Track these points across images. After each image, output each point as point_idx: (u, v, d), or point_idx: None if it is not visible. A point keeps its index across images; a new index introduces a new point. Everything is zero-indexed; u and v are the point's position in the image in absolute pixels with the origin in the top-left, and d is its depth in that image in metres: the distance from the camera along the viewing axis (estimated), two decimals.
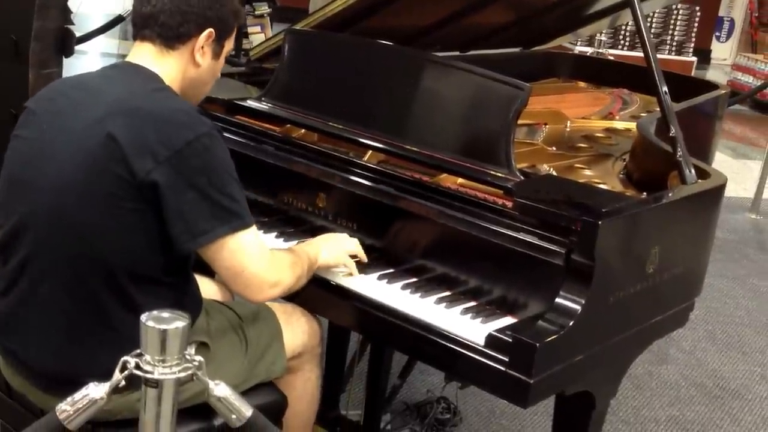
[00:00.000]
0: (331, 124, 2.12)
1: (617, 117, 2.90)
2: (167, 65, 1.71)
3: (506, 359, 1.60)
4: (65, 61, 3.18)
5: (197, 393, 1.51)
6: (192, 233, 1.57)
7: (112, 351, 1.52)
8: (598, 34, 7.29)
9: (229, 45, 1.80)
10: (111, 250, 1.59)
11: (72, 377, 1.59)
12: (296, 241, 2.00)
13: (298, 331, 1.92)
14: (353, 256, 1.87)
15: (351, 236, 1.93)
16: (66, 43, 3.10)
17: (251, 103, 2.25)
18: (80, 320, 1.62)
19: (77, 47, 3.20)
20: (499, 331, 1.64)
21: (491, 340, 1.63)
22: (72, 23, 3.15)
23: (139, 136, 1.55)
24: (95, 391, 1.40)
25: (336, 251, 1.85)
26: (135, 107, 1.60)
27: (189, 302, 1.71)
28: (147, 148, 1.54)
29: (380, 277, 1.85)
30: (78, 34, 3.23)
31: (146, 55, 1.71)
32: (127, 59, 1.73)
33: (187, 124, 1.58)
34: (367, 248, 1.92)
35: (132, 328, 1.50)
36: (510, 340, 1.59)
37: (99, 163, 1.57)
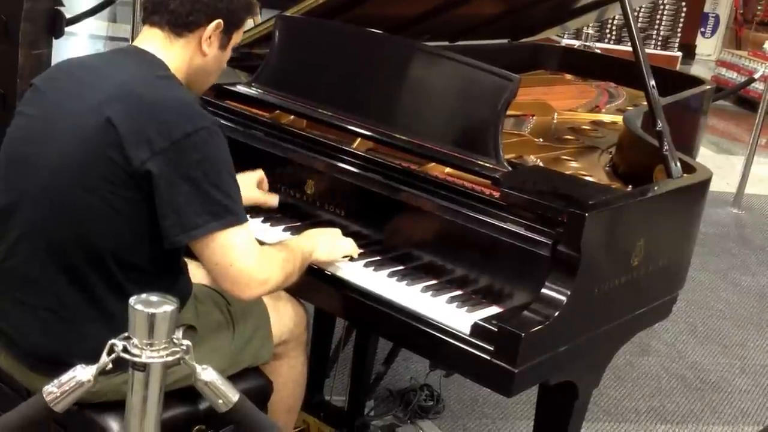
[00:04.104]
0: (320, 110, 2.12)
1: (603, 110, 2.92)
2: (174, 52, 1.71)
3: (491, 348, 1.61)
4: (55, 42, 3.17)
5: (184, 376, 1.51)
6: (183, 226, 1.56)
7: (101, 331, 1.54)
8: (585, 28, 7.30)
9: (237, 37, 1.80)
10: (100, 235, 1.59)
11: (60, 356, 1.61)
12: (283, 227, 2.01)
13: (284, 317, 1.93)
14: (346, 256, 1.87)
15: (339, 223, 1.94)
16: (56, 24, 3.10)
17: (241, 89, 2.24)
18: (70, 300, 1.63)
19: (67, 29, 3.20)
20: (484, 320, 1.66)
21: (477, 329, 1.64)
22: (62, 5, 3.15)
23: (137, 123, 1.55)
24: (82, 373, 1.41)
25: (332, 249, 1.84)
26: (137, 94, 1.59)
27: (179, 287, 1.72)
28: (144, 136, 1.54)
29: (367, 264, 1.86)
30: (68, 15, 3.22)
31: (154, 40, 1.71)
32: (135, 43, 1.74)
33: (188, 115, 1.58)
34: (354, 235, 1.93)
35: (120, 311, 1.51)
36: (495, 329, 1.61)
37: (96, 147, 1.56)
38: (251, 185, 1.99)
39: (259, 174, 2.04)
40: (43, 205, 1.61)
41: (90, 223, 1.59)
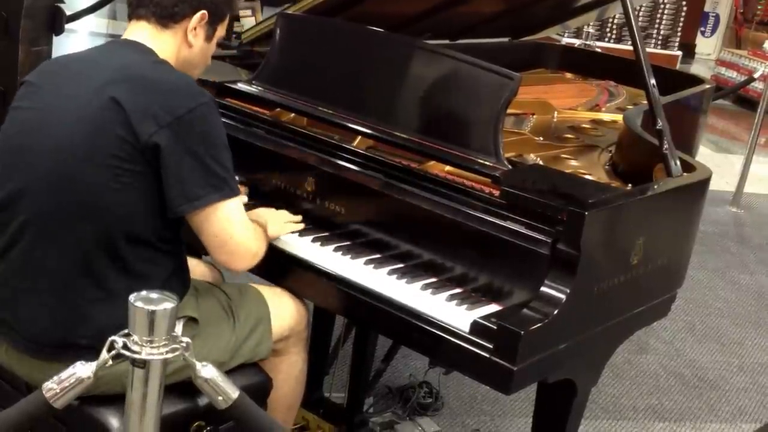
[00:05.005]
0: (320, 108, 2.12)
1: (603, 109, 2.92)
2: (162, 43, 1.76)
3: (490, 346, 1.61)
4: (55, 39, 3.18)
5: (182, 367, 1.52)
6: (187, 197, 1.62)
7: (104, 312, 1.61)
8: (586, 26, 7.30)
9: (221, 30, 1.86)
10: (110, 212, 1.62)
11: (63, 339, 1.64)
12: None
13: (285, 314, 1.93)
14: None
15: (339, 221, 1.96)
16: (56, 20, 3.11)
17: (242, 86, 2.25)
18: (75, 283, 1.65)
19: (67, 26, 3.20)
20: (484, 318, 1.66)
21: (476, 327, 1.65)
22: (62, 1, 3.15)
23: (142, 101, 1.61)
24: (82, 370, 1.42)
25: (279, 225, 1.94)
26: (138, 75, 1.66)
27: (180, 274, 1.76)
28: (150, 112, 1.60)
29: (367, 262, 1.86)
30: (68, 12, 3.23)
31: (142, 32, 1.76)
32: (124, 37, 1.78)
33: (189, 93, 1.65)
34: (354, 233, 1.94)
35: (125, 291, 1.55)
36: (495, 327, 1.61)
37: (102, 126, 1.61)
38: None
39: None
40: (50, 189, 1.64)
41: (98, 200, 1.62)
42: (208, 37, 1.82)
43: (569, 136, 2.50)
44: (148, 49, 1.74)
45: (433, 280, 1.82)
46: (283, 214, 1.99)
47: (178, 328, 1.42)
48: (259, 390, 1.86)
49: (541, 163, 2.13)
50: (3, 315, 1.71)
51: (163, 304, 1.37)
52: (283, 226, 1.95)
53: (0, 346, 1.74)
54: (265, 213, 1.96)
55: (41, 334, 1.67)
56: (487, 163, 1.88)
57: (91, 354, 1.44)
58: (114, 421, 1.65)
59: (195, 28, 1.78)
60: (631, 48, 2.03)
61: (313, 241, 1.94)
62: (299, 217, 2.00)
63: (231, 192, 1.67)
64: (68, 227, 1.63)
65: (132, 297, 1.36)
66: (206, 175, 1.63)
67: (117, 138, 1.60)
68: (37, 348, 1.68)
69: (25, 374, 1.73)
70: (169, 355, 1.38)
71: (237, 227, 1.68)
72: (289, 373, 1.99)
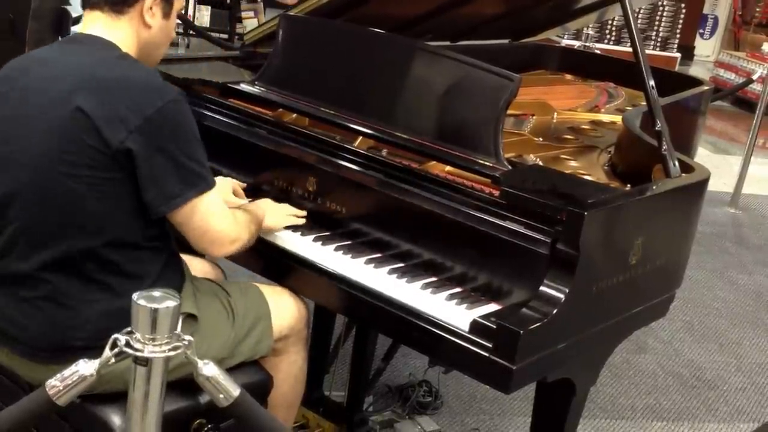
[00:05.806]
0: (322, 109, 2.13)
1: (603, 110, 2.93)
2: (120, 31, 1.73)
3: (490, 345, 1.62)
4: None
5: (183, 363, 1.52)
6: (165, 197, 1.63)
7: (100, 314, 1.62)
8: (585, 28, 7.32)
9: (178, 3, 1.83)
10: (91, 220, 1.63)
11: (61, 343, 1.65)
12: None
13: (285, 313, 1.94)
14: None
15: (340, 221, 1.96)
16: (62, 23, 3.13)
17: (244, 87, 2.26)
18: (68, 287, 1.66)
19: (73, 27, 3.22)
20: (483, 317, 1.67)
21: (476, 326, 1.66)
22: (69, 3, 3.16)
23: (107, 106, 1.59)
24: (85, 367, 1.42)
25: (277, 216, 1.96)
26: (101, 77, 1.63)
27: (173, 267, 1.77)
28: (117, 117, 1.58)
29: (367, 262, 1.87)
30: (74, 14, 3.24)
31: (98, 23, 1.73)
32: (80, 30, 1.75)
33: (155, 90, 1.63)
34: (355, 233, 1.95)
35: (119, 291, 1.56)
36: (494, 326, 1.62)
37: (71, 137, 1.60)
38: (227, 191, 2.01)
39: (233, 182, 2.07)
40: (31, 199, 1.64)
41: (79, 209, 1.62)
42: (166, 14, 1.79)
43: (569, 136, 2.51)
44: (108, 42, 1.71)
45: (433, 279, 1.83)
46: (285, 207, 2.00)
47: (179, 326, 1.42)
48: (260, 388, 1.87)
49: (540, 163, 2.15)
50: (2, 324, 1.71)
51: (166, 302, 1.37)
52: (282, 218, 1.96)
53: (2, 349, 1.74)
54: (266, 204, 1.97)
55: (39, 338, 1.68)
56: (487, 163, 1.89)
57: (88, 355, 1.44)
58: (116, 419, 1.66)
59: (151, 8, 1.74)
60: (630, 50, 2.05)
61: (314, 240, 1.95)
62: (303, 212, 2.01)
63: (207, 186, 1.67)
64: (55, 235, 1.64)
65: (135, 295, 1.37)
66: (181, 173, 1.63)
67: (88, 148, 1.59)
68: (34, 352, 1.69)
69: (25, 375, 1.73)
70: (172, 353, 1.39)
71: (216, 217, 1.70)
72: (289, 372, 1.99)
